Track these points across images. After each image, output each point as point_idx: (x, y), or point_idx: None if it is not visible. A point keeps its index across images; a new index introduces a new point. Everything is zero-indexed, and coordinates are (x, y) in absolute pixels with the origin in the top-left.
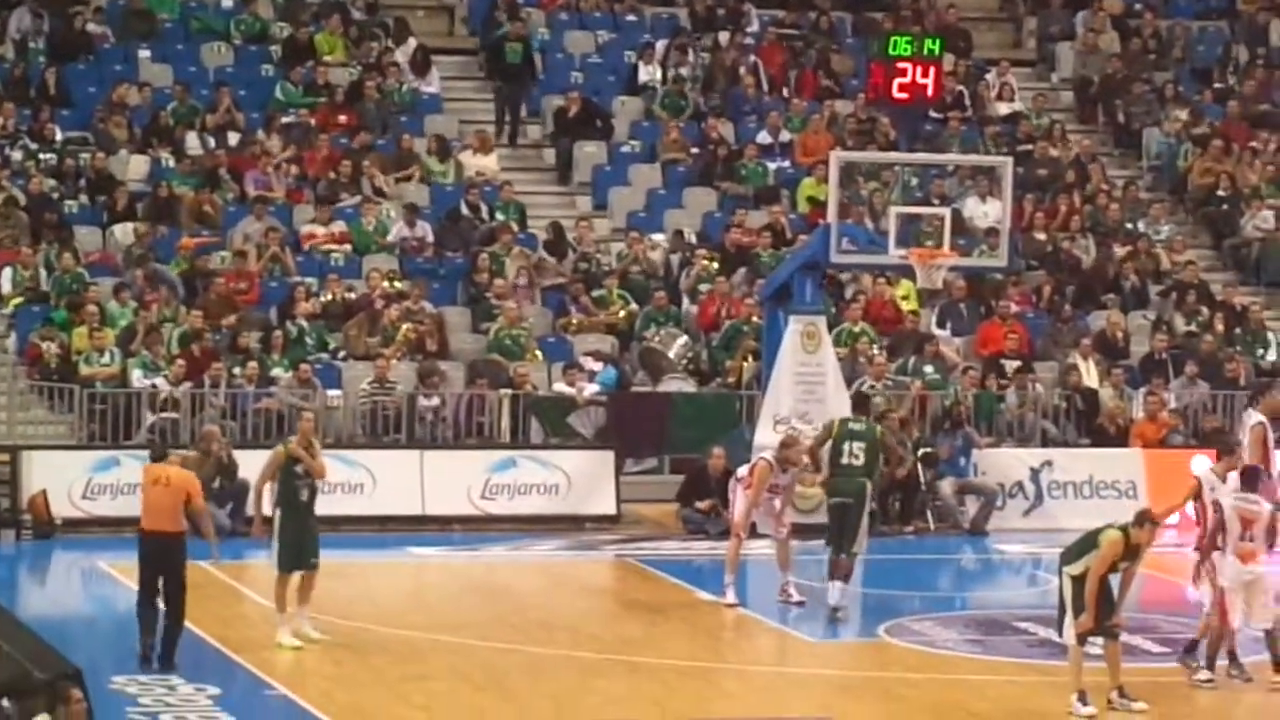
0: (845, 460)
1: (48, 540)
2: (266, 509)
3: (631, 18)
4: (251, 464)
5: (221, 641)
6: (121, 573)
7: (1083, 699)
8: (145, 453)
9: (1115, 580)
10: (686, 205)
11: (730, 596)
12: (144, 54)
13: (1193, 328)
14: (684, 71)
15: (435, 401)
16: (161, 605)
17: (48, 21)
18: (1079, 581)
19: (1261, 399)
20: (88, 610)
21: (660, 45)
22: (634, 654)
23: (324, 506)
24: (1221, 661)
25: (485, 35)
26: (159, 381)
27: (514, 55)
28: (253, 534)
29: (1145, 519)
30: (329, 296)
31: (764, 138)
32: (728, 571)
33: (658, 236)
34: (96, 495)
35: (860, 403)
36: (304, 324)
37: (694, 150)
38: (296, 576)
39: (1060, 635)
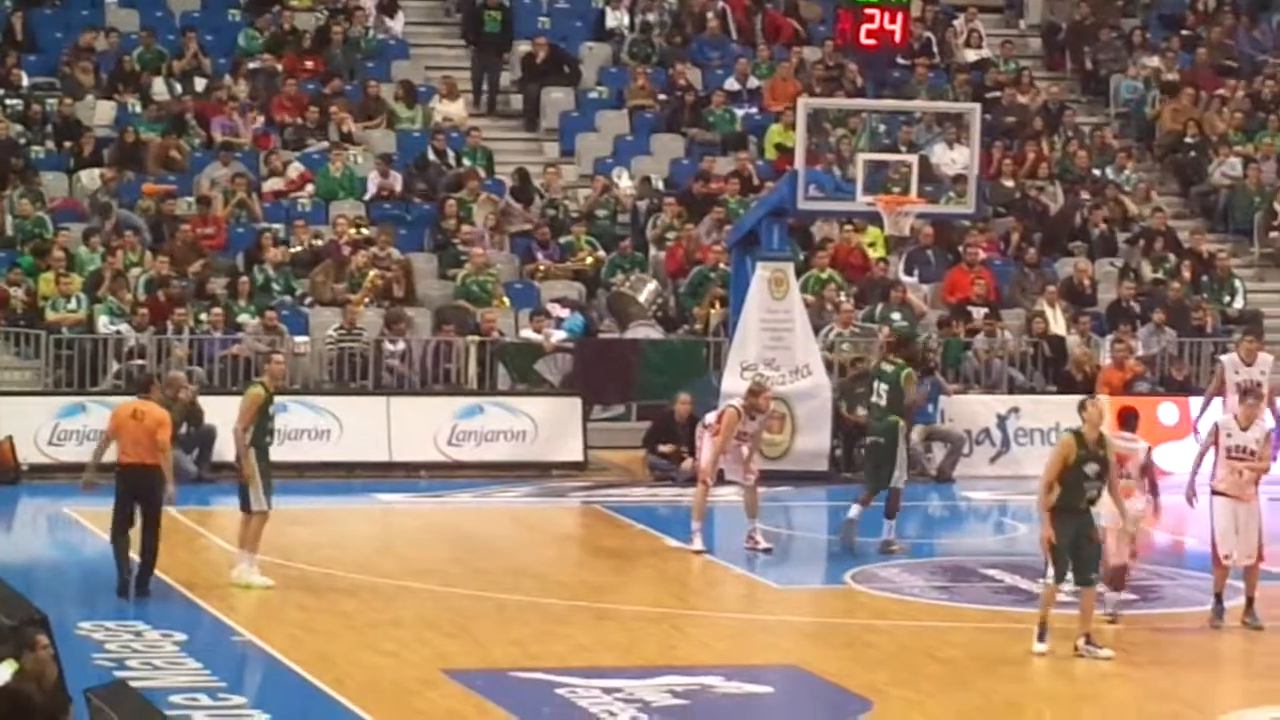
0: (873, 399)
1: (14, 486)
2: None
3: None
4: (217, 410)
5: (187, 587)
6: (87, 518)
7: (1040, 635)
8: (111, 399)
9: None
10: (654, 152)
11: (697, 543)
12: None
13: (1160, 275)
14: (651, 17)
15: (401, 347)
16: (138, 537)
17: None
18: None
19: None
20: (54, 556)
21: None
22: (601, 600)
23: (290, 453)
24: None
25: (465, 3)
26: (124, 327)
27: (492, 24)
28: (245, 477)
29: (1084, 404)
30: (297, 244)
31: (731, 84)
32: (694, 518)
33: (625, 183)
34: (63, 441)
35: (899, 345)
36: (270, 270)
37: (661, 97)
38: (254, 519)
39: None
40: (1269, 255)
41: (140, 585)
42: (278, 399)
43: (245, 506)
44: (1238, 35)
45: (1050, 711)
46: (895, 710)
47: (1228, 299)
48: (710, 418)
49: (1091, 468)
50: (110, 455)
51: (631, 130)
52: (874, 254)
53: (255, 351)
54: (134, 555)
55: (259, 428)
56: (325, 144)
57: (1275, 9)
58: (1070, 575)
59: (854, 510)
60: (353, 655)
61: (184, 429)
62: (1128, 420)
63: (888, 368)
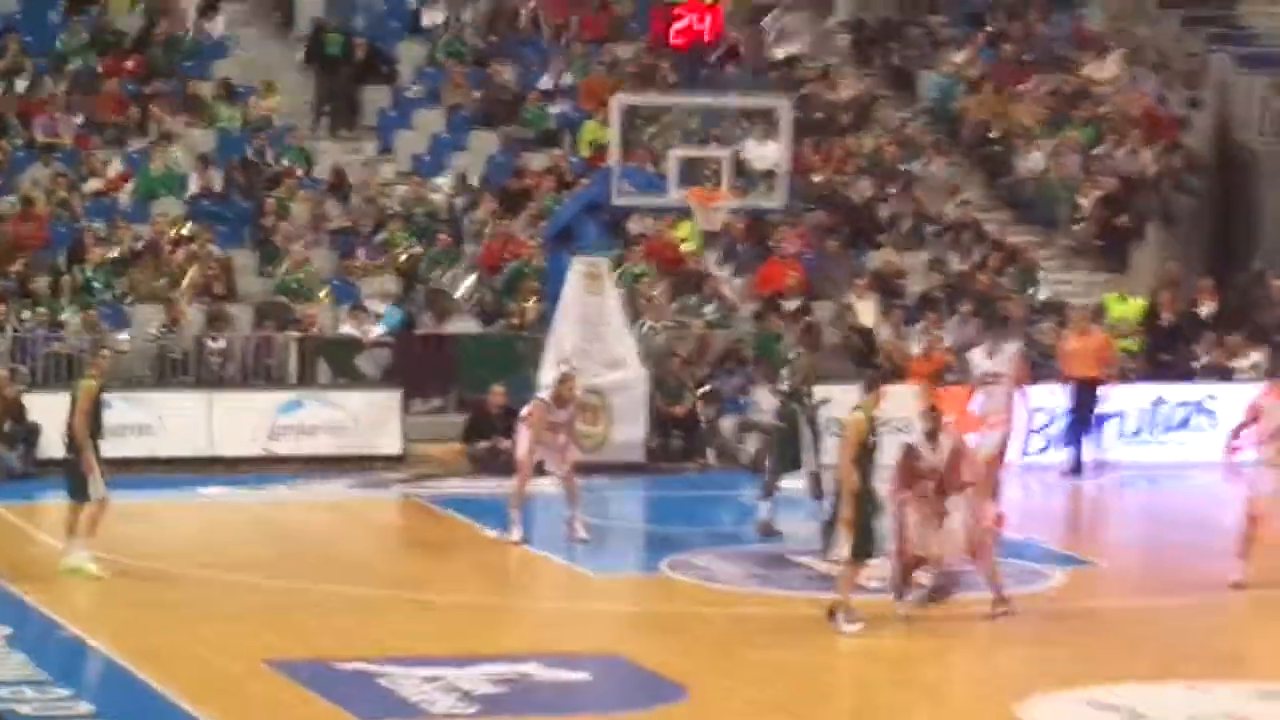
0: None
1: None
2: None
3: None
4: (41, 407)
5: (13, 581)
6: None
7: (847, 618)
8: None
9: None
10: (470, 148)
11: (515, 533)
12: None
13: (966, 267)
14: (466, 16)
15: (222, 344)
16: None
17: None
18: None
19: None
20: None
21: None
22: (421, 591)
23: (112, 448)
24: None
25: (312, 34)
26: None
27: (333, 47)
28: (88, 467)
29: (870, 384)
30: (118, 243)
31: (546, 82)
32: (512, 508)
33: (441, 180)
34: None
35: (808, 334)
36: (90, 270)
37: (477, 94)
38: (92, 507)
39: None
40: (1073, 246)
41: None
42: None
43: (81, 496)
44: (1039, 31)
45: (863, 695)
46: (711, 697)
47: (1031, 289)
48: (525, 410)
49: (872, 440)
50: None
51: (448, 128)
52: (687, 248)
53: (78, 349)
54: None
55: (94, 418)
56: (145, 143)
57: (1075, 5)
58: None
59: (763, 509)
60: (178, 647)
61: (6, 425)
62: (929, 421)
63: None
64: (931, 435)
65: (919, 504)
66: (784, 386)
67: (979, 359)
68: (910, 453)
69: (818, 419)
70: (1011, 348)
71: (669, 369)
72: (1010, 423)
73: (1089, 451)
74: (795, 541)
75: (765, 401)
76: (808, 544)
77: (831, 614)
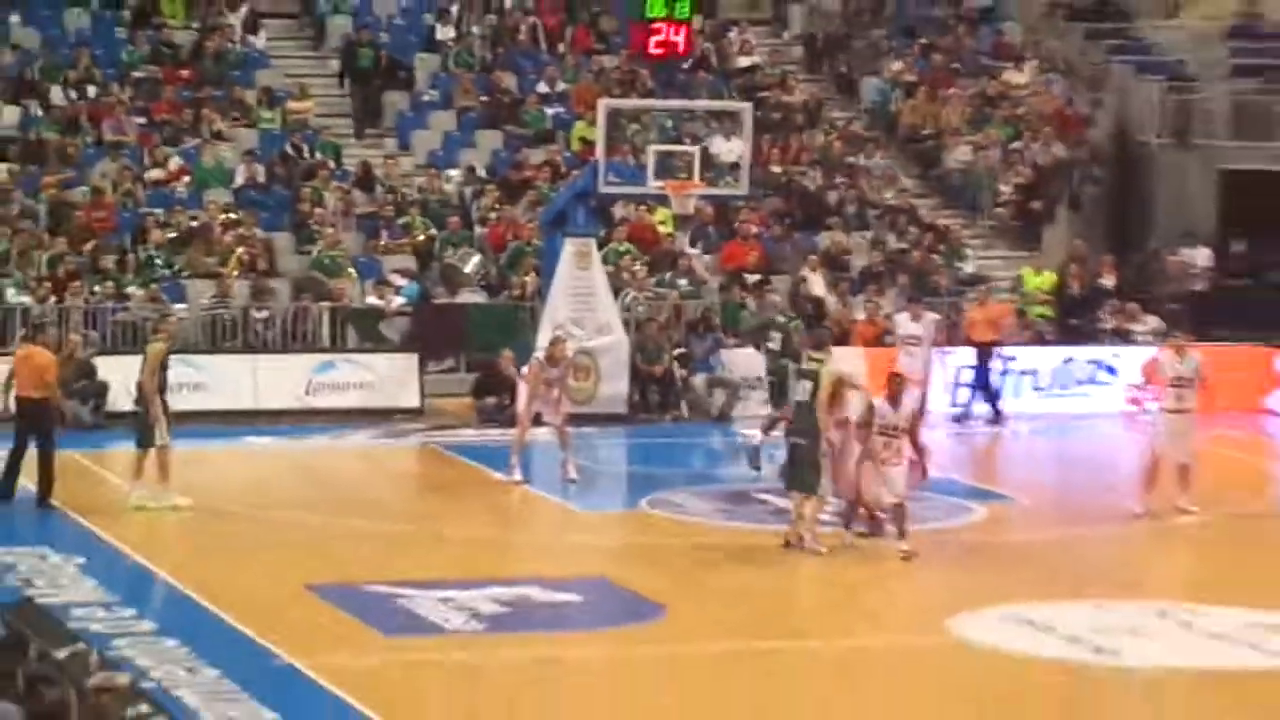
0: (799, 398)
1: None
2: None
3: None
4: (109, 367)
5: (86, 516)
6: None
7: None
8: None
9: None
10: (477, 145)
11: (516, 475)
12: (14, 19)
13: (903, 245)
14: (474, 31)
15: (265, 314)
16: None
17: None
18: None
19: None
20: None
21: (454, 9)
22: (436, 525)
23: (171, 403)
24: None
25: (345, 48)
26: (28, 299)
27: (365, 60)
28: (153, 418)
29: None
30: (176, 228)
31: (542, 88)
32: (513, 454)
33: (453, 172)
34: None
35: (817, 343)
36: (153, 249)
37: (483, 99)
38: (156, 453)
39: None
40: (994, 227)
41: (41, 499)
42: None
43: (147, 443)
44: (965, 43)
45: (816, 614)
46: (685, 614)
47: (959, 264)
48: (525, 369)
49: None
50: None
51: (458, 127)
52: (663, 230)
53: (141, 318)
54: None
55: (162, 376)
56: (198, 141)
57: (995, 20)
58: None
59: (755, 439)
60: (229, 575)
61: (79, 383)
62: (894, 387)
63: (813, 368)
64: (894, 398)
65: (874, 455)
66: (774, 346)
67: (903, 324)
68: (872, 410)
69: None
70: (931, 315)
71: (648, 334)
72: (929, 380)
73: (981, 406)
74: (756, 480)
75: (732, 360)
76: (766, 482)
77: (787, 544)
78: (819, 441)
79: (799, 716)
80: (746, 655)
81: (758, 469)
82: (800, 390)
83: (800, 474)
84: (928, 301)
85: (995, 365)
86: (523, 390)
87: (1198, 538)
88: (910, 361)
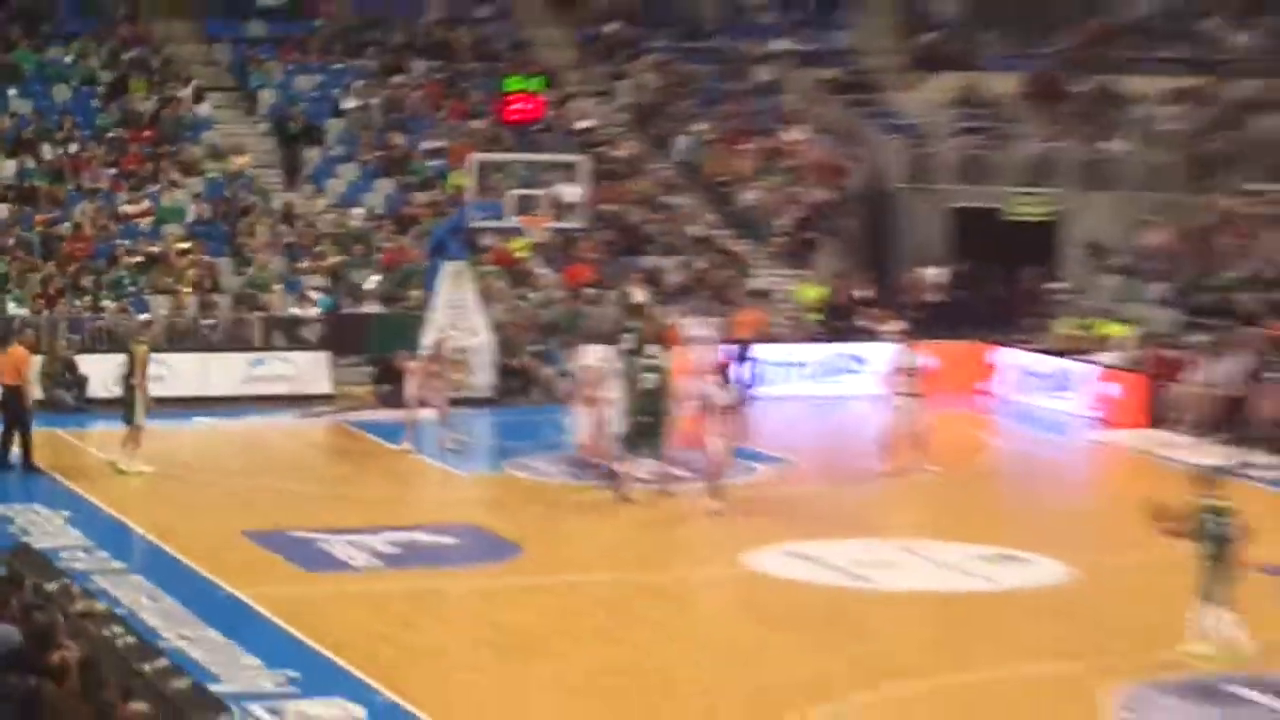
0: (647, 386)
1: None
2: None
3: (338, 65)
4: (88, 363)
5: (71, 480)
6: None
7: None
8: None
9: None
10: (375, 189)
11: (407, 445)
12: (12, 92)
13: (705, 266)
14: (373, 101)
15: (212, 321)
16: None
17: None
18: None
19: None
20: None
21: (357, 84)
22: (345, 485)
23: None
24: None
25: (278, 122)
26: (25, 311)
27: (290, 125)
28: (147, 404)
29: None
30: (140, 255)
31: (425, 145)
32: (406, 429)
33: (356, 210)
34: None
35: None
36: (122, 271)
37: (379, 153)
38: (134, 429)
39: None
40: (775, 252)
41: (27, 464)
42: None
43: (130, 421)
44: (753, 109)
45: (641, 549)
46: (538, 553)
47: (749, 281)
48: (413, 364)
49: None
50: None
51: (361, 176)
52: (520, 254)
53: (113, 325)
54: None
55: (145, 370)
56: (158, 186)
57: (778, 91)
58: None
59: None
60: (183, 524)
61: (65, 375)
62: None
63: (655, 363)
64: (725, 384)
65: (719, 428)
66: (627, 346)
67: (691, 327)
68: (713, 395)
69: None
70: (715, 319)
71: (508, 335)
72: (716, 371)
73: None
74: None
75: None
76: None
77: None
78: (662, 421)
79: (627, 630)
80: (585, 585)
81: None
82: (645, 380)
83: (650, 441)
84: (724, 309)
85: (755, 355)
86: (412, 379)
87: (930, 490)
88: (700, 356)
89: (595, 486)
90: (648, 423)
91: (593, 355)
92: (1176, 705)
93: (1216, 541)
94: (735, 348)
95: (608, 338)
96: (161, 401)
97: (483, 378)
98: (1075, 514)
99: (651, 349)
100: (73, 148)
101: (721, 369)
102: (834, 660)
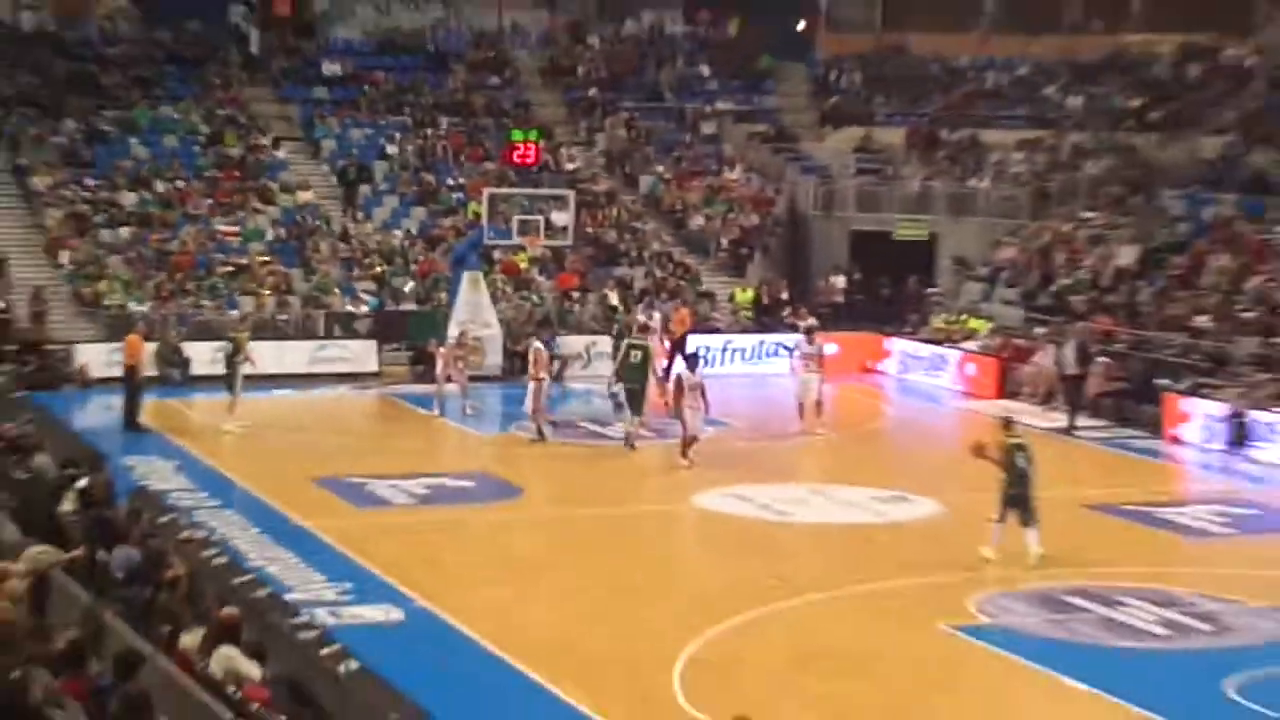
0: (631, 361)
1: (87, 389)
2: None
3: (383, 121)
4: (191, 349)
5: (177, 438)
6: (116, 406)
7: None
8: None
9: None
10: (411, 216)
11: (435, 411)
12: (132, 140)
13: (664, 275)
14: (410, 148)
15: (286, 316)
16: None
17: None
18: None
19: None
20: (107, 420)
21: (398, 134)
22: (388, 440)
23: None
24: None
25: (341, 171)
26: (144, 308)
27: (347, 167)
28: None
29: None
30: (231, 266)
31: (449, 181)
32: (435, 401)
33: (396, 232)
34: (111, 366)
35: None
36: (217, 279)
37: (415, 189)
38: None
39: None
40: (717, 264)
41: (133, 424)
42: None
43: (230, 391)
44: (703, 154)
45: (619, 490)
46: (536, 494)
47: (698, 286)
48: (442, 349)
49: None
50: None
51: (400, 205)
52: (523, 265)
53: (213, 320)
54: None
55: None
56: (244, 213)
57: (720, 141)
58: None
59: (633, 425)
60: (262, 471)
61: (175, 357)
62: (692, 362)
63: (640, 343)
64: (693, 366)
65: (690, 403)
66: (615, 333)
67: (640, 318)
68: (686, 377)
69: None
70: (658, 312)
71: (513, 327)
72: (663, 356)
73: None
74: (582, 415)
75: (565, 343)
76: (588, 415)
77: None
78: (644, 388)
79: (604, 549)
80: (574, 518)
81: (620, 406)
82: (632, 357)
83: (633, 406)
84: (674, 305)
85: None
86: (440, 361)
87: (835, 446)
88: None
89: (531, 440)
90: (634, 390)
91: (535, 344)
92: (1024, 609)
93: (1020, 472)
94: (675, 340)
95: (584, 329)
96: (249, 378)
97: (493, 360)
98: (946, 464)
99: (638, 336)
100: (179, 183)
101: (681, 353)
102: (763, 575)
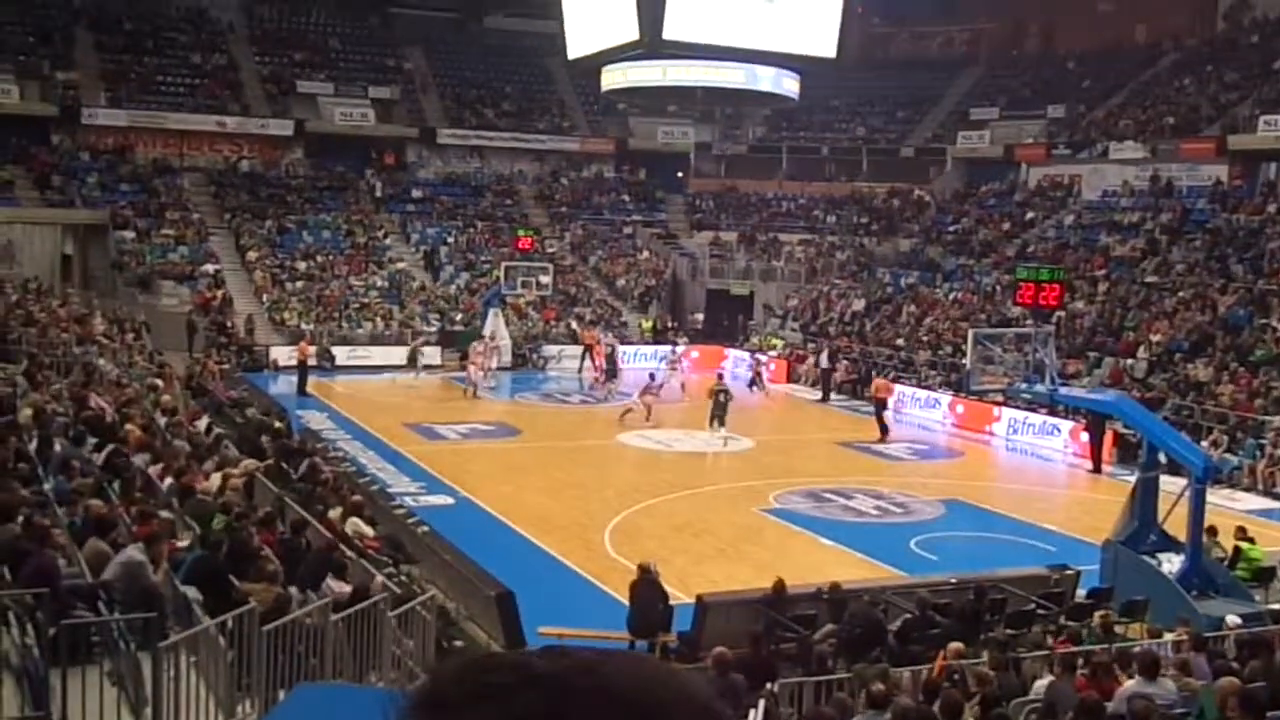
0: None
1: (277, 373)
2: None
3: (445, 223)
4: (337, 350)
5: (328, 400)
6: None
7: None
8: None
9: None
10: (460, 278)
11: (470, 392)
12: (305, 233)
13: (600, 312)
14: (460, 238)
15: (390, 333)
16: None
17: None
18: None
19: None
20: (288, 390)
21: (454, 231)
22: (447, 405)
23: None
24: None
25: (427, 254)
26: (310, 326)
27: (430, 257)
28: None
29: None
30: (358, 303)
31: (484, 257)
32: (469, 383)
33: (453, 287)
34: (290, 359)
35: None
36: (351, 311)
37: (463, 261)
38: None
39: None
40: (632, 306)
41: (303, 392)
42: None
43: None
44: (623, 245)
45: (583, 433)
46: (532, 433)
47: (620, 319)
48: (476, 349)
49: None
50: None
51: (455, 272)
52: (522, 305)
53: (348, 333)
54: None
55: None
56: (366, 275)
57: (634, 238)
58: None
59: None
60: (377, 420)
61: (326, 355)
62: (652, 375)
63: (722, 388)
64: (653, 374)
65: (653, 398)
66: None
67: (598, 337)
68: (653, 377)
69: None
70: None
71: (516, 341)
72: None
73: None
74: (544, 391)
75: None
76: (551, 391)
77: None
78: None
79: (565, 465)
80: (548, 448)
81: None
82: (720, 399)
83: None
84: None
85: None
86: (475, 358)
87: (700, 411)
88: (600, 350)
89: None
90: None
91: (478, 345)
92: (799, 500)
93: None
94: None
95: (559, 341)
96: (366, 369)
97: (506, 357)
98: (755, 418)
99: (720, 384)
100: (331, 256)
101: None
102: (657, 480)
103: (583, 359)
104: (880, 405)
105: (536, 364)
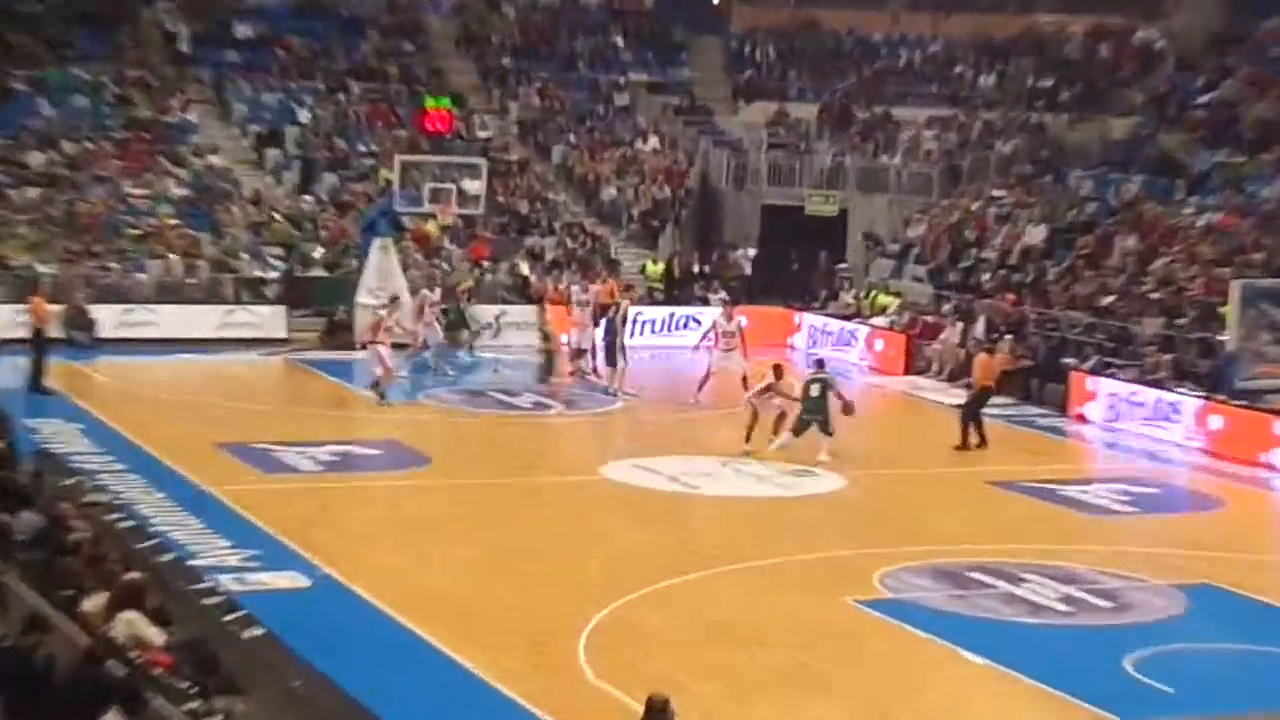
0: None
1: None
2: None
3: (294, 85)
4: (98, 311)
5: (83, 401)
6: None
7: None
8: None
9: None
10: (322, 181)
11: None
12: (41, 101)
13: (575, 246)
14: (322, 113)
15: (194, 280)
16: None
17: None
18: None
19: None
20: (12, 383)
21: (310, 100)
22: (296, 406)
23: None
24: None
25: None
26: (51, 269)
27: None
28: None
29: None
30: (138, 228)
31: (361, 148)
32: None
33: (307, 197)
34: (16, 328)
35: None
36: (126, 241)
37: (326, 154)
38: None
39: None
40: (629, 235)
41: (38, 387)
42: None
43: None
44: (615, 126)
45: (520, 464)
46: (443, 463)
47: (609, 257)
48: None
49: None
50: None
51: (311, 170)
52: (434, 233)
53: (120, 282)
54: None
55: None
56: (152, 176)
57: (633, 114)
58: None
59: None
60: (169, 436)
61: (80, 319)
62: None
63: (820, 377)
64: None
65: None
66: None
67: (576, 293)
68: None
69: None
70: (594, 286)
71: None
72: (591, 326)
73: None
74: (487, 384)
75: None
76: (494, 386)
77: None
78: (828, 418)
79: (508, 519)
80: (477, 487)
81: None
82: (812, 390)
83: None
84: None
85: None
86: (392, 322)
87: (742, 419)
88: (581, 315)
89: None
90: (819, 420)
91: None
92: (927, 584)
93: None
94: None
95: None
96: (151, 343)
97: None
98: (851, 438)
99: (815, 370)
100: (88, 145)
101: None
102: (671, 546)
103: (611, 328)
104: (980, 399)
105: (460, 339)
